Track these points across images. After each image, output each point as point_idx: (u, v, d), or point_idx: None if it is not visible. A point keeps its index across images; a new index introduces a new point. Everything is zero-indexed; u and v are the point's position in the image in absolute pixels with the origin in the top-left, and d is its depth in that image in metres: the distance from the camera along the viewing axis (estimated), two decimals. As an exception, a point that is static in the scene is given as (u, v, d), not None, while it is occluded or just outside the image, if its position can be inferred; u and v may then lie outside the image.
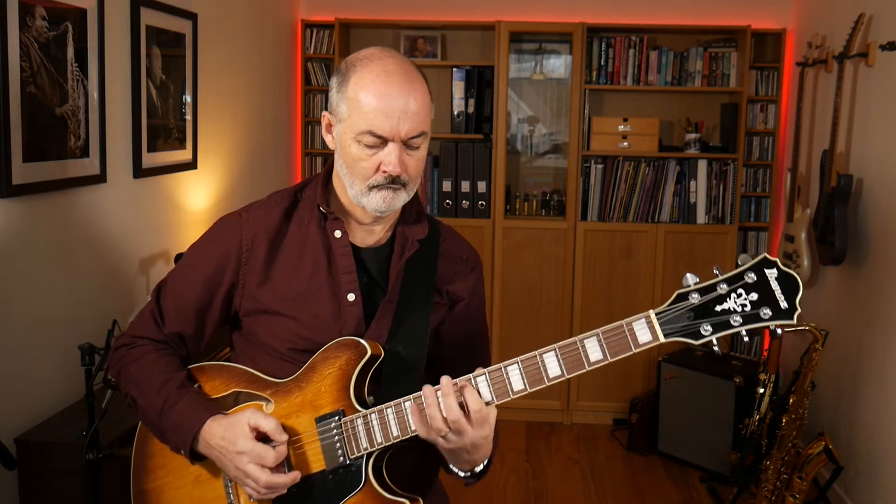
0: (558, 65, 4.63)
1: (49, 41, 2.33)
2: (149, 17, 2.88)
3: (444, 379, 1.30)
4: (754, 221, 4.54)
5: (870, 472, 3.23)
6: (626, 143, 4.37)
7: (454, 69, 4.47)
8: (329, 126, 1.44)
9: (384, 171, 1.36)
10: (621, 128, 4.36)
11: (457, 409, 1.27)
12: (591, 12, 4.43)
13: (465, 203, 4.45)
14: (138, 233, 2.91)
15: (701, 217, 4.40)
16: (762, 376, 3.49)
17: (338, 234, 1.45)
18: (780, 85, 4.43)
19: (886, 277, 3.17)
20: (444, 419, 1.28)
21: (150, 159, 2.95)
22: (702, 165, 4.37)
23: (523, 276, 4.45)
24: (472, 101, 4.49)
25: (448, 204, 4.45)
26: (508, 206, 4.52)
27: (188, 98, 3.23)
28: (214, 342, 1.68)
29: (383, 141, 1.35)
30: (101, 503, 2.06)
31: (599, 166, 4.42)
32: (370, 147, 1.35)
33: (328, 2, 4.60)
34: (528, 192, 4.66)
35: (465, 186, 4.44)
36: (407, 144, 1.36)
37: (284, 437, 1.37)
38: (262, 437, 1.37)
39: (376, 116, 1.33)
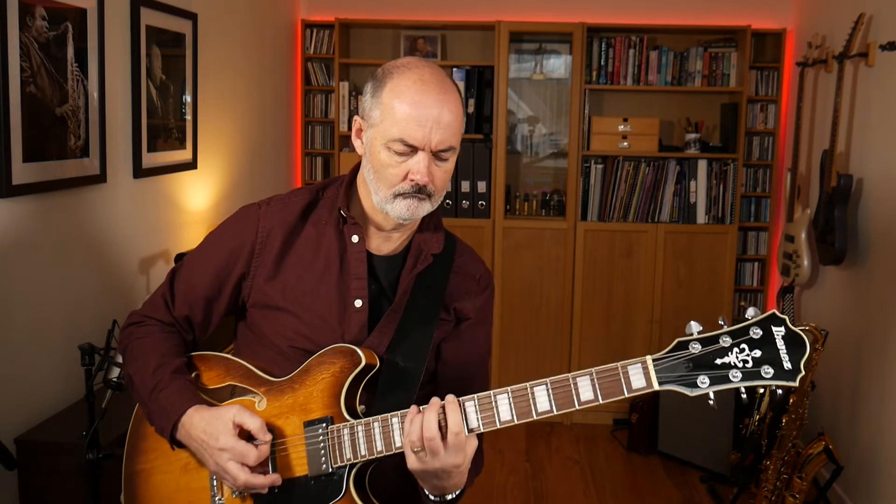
0: (558, 65, 4.63)
1: (49, 41, 2.33)
2: (149, 17, 2.88)
3: (433, 398, 1.30)
4: (754, 221, 4.54)
5: (870, 472, 3.23)
6: (626, 143, 4.37)
7: (454, 69, 4.47)
8: (359, 131, 1.43)
9: (411, 180, 1.35)
10: (621, 128, 4.36)
11: (435, 428, 1.26)
12: (591, 12, 4.43)
13: (465, 203, 4.45)
14: (138, 233, 2.91)
15: (701, 217, 4.40)
16: (762, 376, 3.48)
17: (355, 238, 1.44)
18: (780, 85, 4.43)
19: (886, 277, 3.17)
20: (420, 434, 1.27)
21: (150, 159, 2.95)
22: (702, 165, 4.37)
23: (523, 276, 4.45)
24: (472, 101, 4.49)
25: (448, 204, 4.45)
26: (508, 206, 4.52)
27: (188, 98, 3.23)
28: (222, 338, 1.68)
29: (413, 149, 1.34)
30: (101, 503, 2.05)
31: (599, 166, 4.42)
32: (400, 154, 1.35)
33: (328, 2, 4.60)
34: (528, 192, 4.66)
35: (465, 186, 4.44)
36: (436, 156, 1.36)
37: (268, 437, 1.37)
38: (246, 435, 1.37)
39: (409, 124, 1.33)
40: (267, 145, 4.18)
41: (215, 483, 1.44)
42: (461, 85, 4.46)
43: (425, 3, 4.55)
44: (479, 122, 4.51)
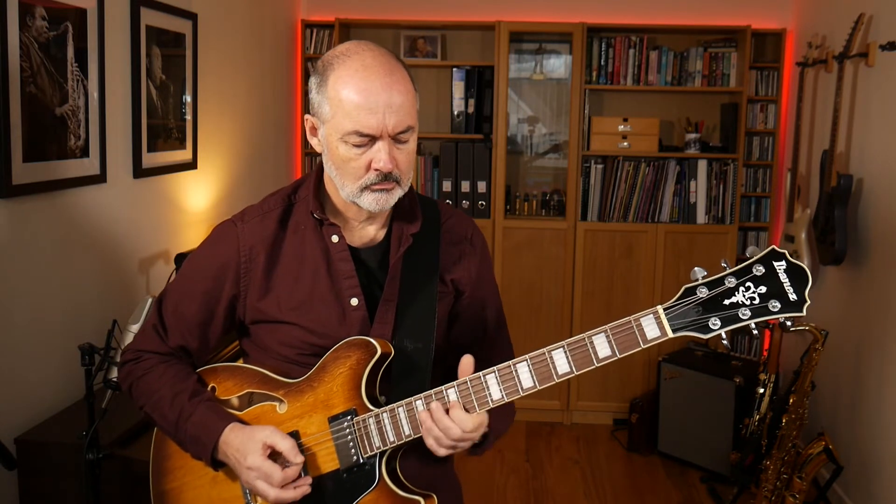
0: (558, 65, 4.63)
1: (49, 41, 2.33)
2: (149, 17, 2.88)
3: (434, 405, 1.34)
4: (754, 221, 4.54)
5: (870, 472, 3.23)
6: (626, 143, 4.37)
7: (454, 69, 4.47)
8: (313, 129, 1.40)
9: (375, 169, 1.33)
10: (621, 128, 4.36)
11: (457, 430, 1.31)
12: (591, 12, 4.43)
13: (466, 203, 4.45)
14: (138, 233, 2.91)
15: (701, 217, 4.40)
16: (762, 376, 3.49)
17: (335, 238, 1.43)
18: (780, 85, 4.43)
19: (886, 277, 3.17)
20: (446, 437, 1.32)
21: (150, 159, 2.95)
22: (702, 165, 4.37)
23: (523, 276, 4.45)
24: (472, 101, 4.49)
25: (448, 204, 4.45)
26: (508, 206, 4.52)
27: (188, 98, 3.23)
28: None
29: (371, 139, 1.31)
30: (101, 503, 2.05)
31: (599, 166, 4.42)
32: (358, 146, 1.32)
33: (328, 2, 4.60)
34: (528, 192, 4.66)
35: (465, 186, 4.44)
36: (395, 139, 1.33)
37: (300, 458, 1.37)
38: (278, 455, 1.38)
39: (360, 114, 1.29)
40: (267, 145, 4.18)
41: (248, 490, 1.44)
42: (461, 85, 4.46)
43: (425, 3, 4.55)
44: (479, 122, 4.51)
